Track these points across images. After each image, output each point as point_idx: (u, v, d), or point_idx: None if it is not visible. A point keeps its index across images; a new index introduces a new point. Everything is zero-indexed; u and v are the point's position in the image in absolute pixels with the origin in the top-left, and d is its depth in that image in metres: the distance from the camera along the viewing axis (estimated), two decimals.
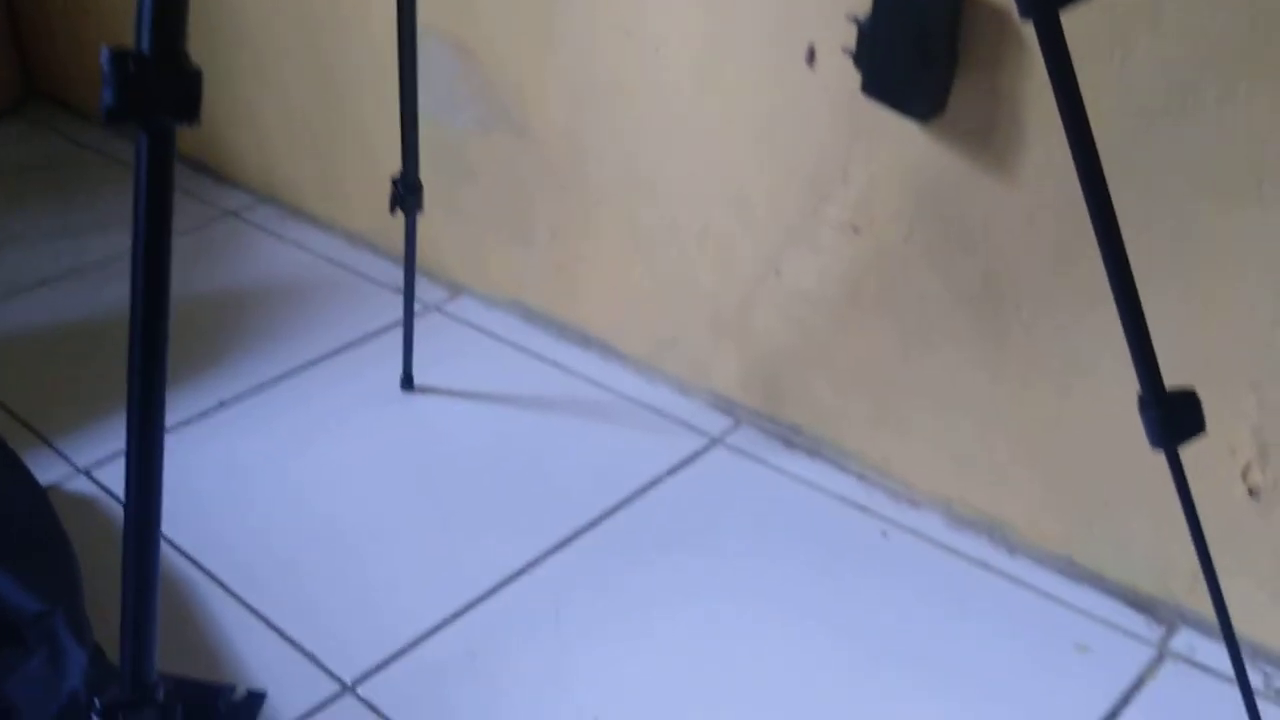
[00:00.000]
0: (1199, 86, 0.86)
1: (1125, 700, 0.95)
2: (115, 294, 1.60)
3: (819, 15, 1.05)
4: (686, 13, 1.15)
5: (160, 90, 0.53)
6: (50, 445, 1.30)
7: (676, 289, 1.29)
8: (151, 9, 0.53)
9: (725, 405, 1.30)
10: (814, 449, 1.23)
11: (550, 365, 1.40)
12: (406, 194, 1.15)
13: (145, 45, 0.53)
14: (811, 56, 1.07)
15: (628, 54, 1.22)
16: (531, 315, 1.48)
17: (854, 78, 1.03)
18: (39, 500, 1.14)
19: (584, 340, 1.43)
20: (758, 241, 1.19)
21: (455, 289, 1.56)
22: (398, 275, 1.59)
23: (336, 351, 1.44)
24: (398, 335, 1.44)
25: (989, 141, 0.99)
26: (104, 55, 0.53)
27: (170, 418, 1.33)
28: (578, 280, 1.41)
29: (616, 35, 1.22)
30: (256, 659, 1.01)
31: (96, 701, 0.60)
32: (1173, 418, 0.77)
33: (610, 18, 1.22)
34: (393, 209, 1.16)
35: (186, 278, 1.61)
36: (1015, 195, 0.99)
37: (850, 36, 1.02)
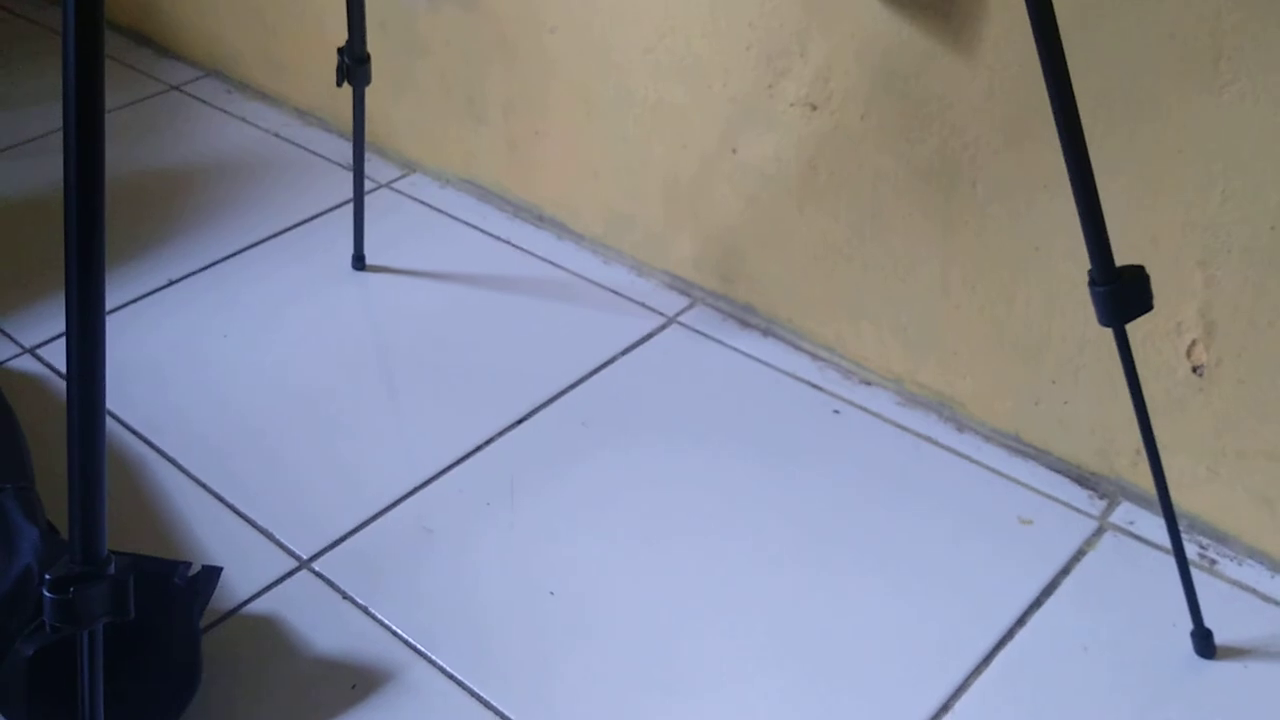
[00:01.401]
0: None
1: (1065, 570, 0.97)
2: (55, 169, 1.55)
3: None
4: None
5: None
6: None
7: (631, 166, 1.28)
8: None
9: (681, 285, 1.30)
10: (768, 328, 1.23)
11: (504, 244, 1.39)
12: (354, 65, 1.12)
13: None
14: None
15: None
16: (485, 193, 1.46)
17: None
18: None
19: (538, 219, 1.41)
20: (713, 118, 1.17)
21: (407, 166, 1.53)
22: (348, 151, 1.56)
23: (286, 229, 1.42)
24: (349, 213, 1.42)
25: (949, 16, 0.97)
26: None
27: (118, 296, 1.31)
28: (532, 157, 1.38)
29: None
30: (211, 536, 1.02)
31: (46, 576, 0.59)
32: (1121, 295, 0.78)
33: None
34: (339, 81, 1.13)
35: (130, 153, 1.57)
36: (974, 71, 0.98)
37: None
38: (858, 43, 1.04)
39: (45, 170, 1.55)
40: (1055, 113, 0.75)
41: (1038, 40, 0.73)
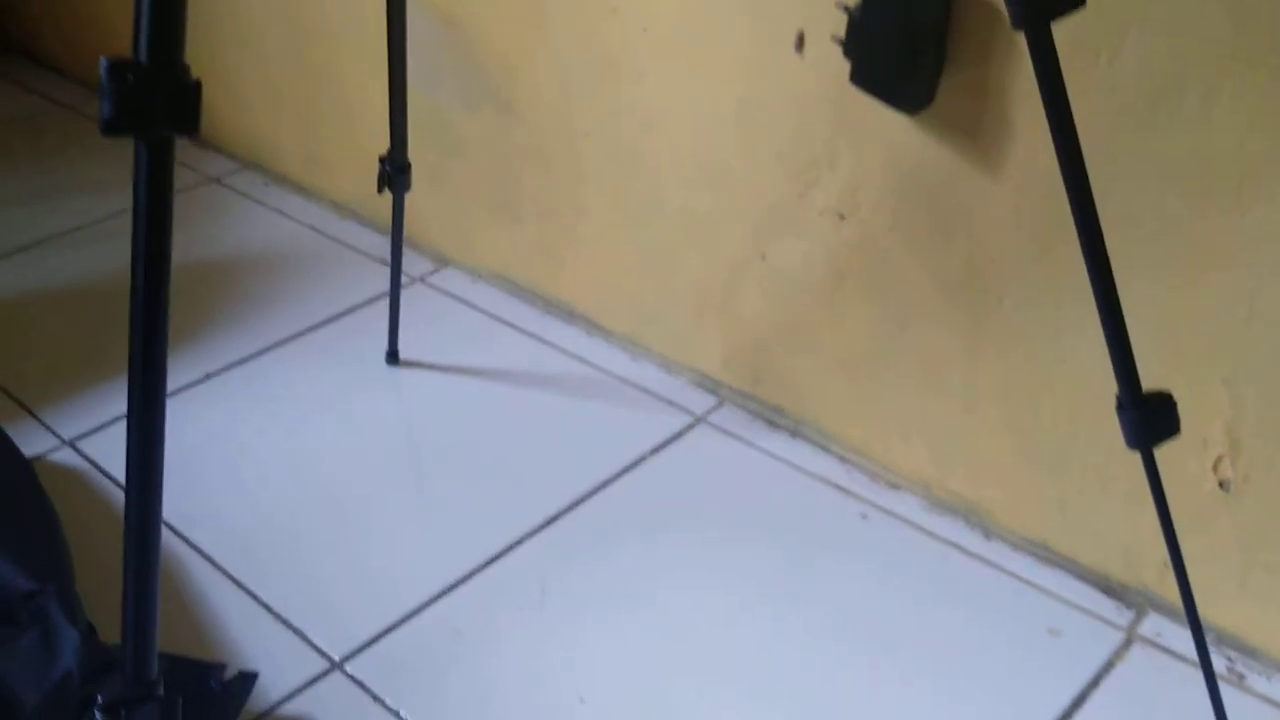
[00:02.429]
0: (1183, 87, 0.87)
1: (1094, 683, 0.97)
2: (96, 258, 1.59)
3: (809, 1, 1.05)
4: None
5: (159, 101, 0.53)
6: (34, 416, 1.31)
7: (662, 267, 1.30)
8: (149, 18, 0.53)
9: (709, 384, 1.31)
10: (796, 430, 1.24)
11: (535, 340, 1.41)
12: (394, 174, 1.15)
13: (143, 55, 0.53)
14: (800, 43, 1.08)
15: (616, 32, 1.22)
16: (517, 289, 1.49)
17: (843, 66, 1.04)
18: (25, 474, 1.14)
19: (569, 315, 1.44)
20: (743, 223, 1.20)
21: (440, 261, 1.56)
22: (382, 245, 1.59)
23: (322, 324, 1.45)
24: (382, 307, 1.45)
25: (976, 134, 1.00)
26: (102, 66, 0.53)
27: None
28: (563, 255, 1.41)
29: (604, 13, 1.22)
30: (244, 634, 1.03)
31: (99, 698, 0.61)
32: (1148, 420, 0.79)
33: None
34: (380, 188, 1.17)
35: None
36: (1000, 188, 1.00)
37: (840, 25, 1.02)
38: (886, 156, 1.06)
39: (82, 261, 1.59)
40: (1081, 241, 0.77)
41: (1061, 164, 0.75)
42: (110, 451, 1.25)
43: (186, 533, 1.14)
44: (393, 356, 1.37)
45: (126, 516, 0.63)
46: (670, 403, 1.30)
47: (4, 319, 1.48)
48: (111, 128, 0.53)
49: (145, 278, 0.56)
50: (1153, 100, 0.89)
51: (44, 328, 1.46)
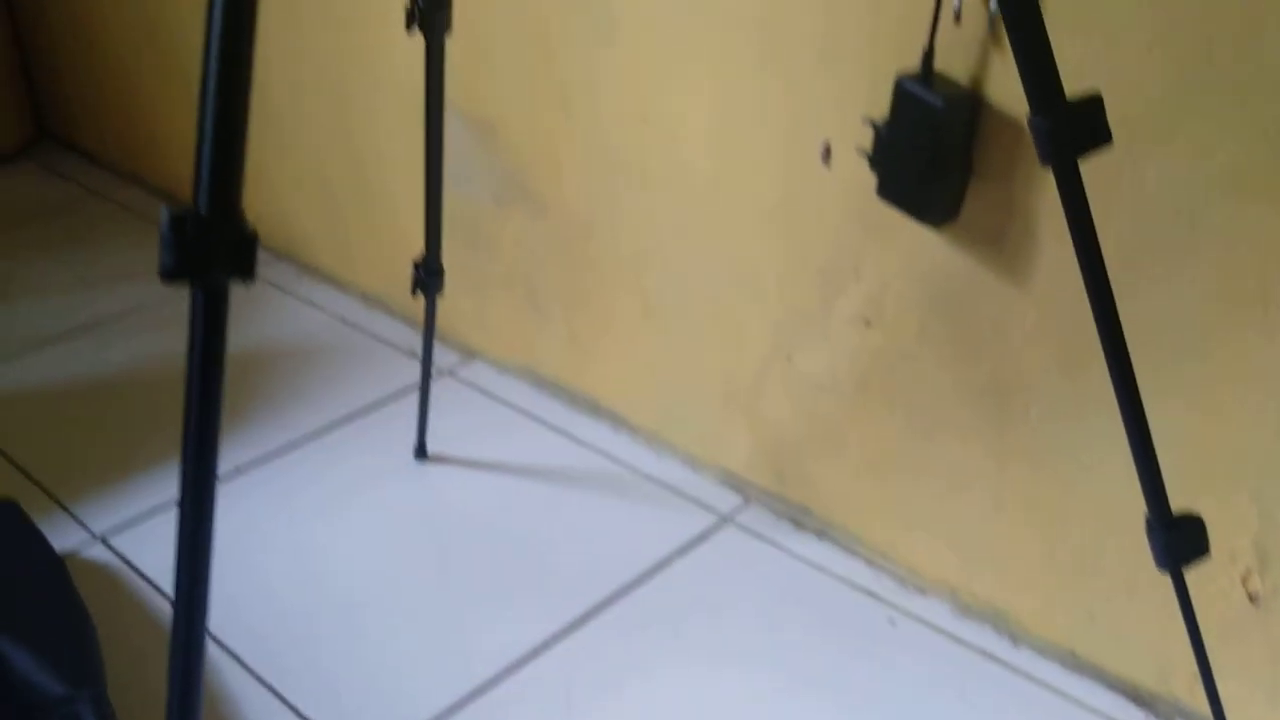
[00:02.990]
0: (1208, 207, 0.89)
1: None
2: (129, 349, 1.62)
3: (836, 114, 1.08)
4: (703, 104, 1.18)
5: (217, 251, 0.55)
6: (66, 510, 1.32)
7: (688, 365, 1.32)
8: (209, 168, 0.55)
9: (735, 483, 1.32)
10: (823, 531, 1.25)
11: (561, 435, 1.42)
12: (428, 278, 1.17)
13: (203, 205, 0.55)
14: (827, 154, 1.10)
15: (644, 138, 1.25)
16: (542, 382, 1.50)
17: (869, 176, 1.06)
18: (59, 574, 1.15)
19: (594, 410, 1.45)
20: (769, 326, 1.22)
21: (468, 353, 1.58)
22: (411, 337, 1.62)
23: (351, 417, 1.46)
24: (411, 401, 1.46)
25: (1001, 248, 1.01)
26: (163, 216, 0.55)
27: (176, 488, 1.35)
28: (590, 350, 1.43)
29: (633, 120, 1.25)
30: None
31: None
32: (1178, 541, 0.80)
33: (628, 103, 1.24)
34: (414, 292, 1.19)
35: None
36: (1026, 300, 1.01)
37: (867, 138, 1.04)
38: (912, 267, 1.08)
39: (117, 351, 1.61)
40: (1109, 363, 0.78)
41: (1090, 294, 0.77)
42: (142, 547, 1.26)
43: (214, 629, 1.15)
44: (420, 452, 1.38)
45: (174, 633, 0.64)
46: (696, 501, 1.31)
47: (38, 409, 1.50)
48: (171, 276, 0.55)
49: (198, 418, 0.57)
50: (1177, 223, 0.91)
51: (77, 418, 1.48)
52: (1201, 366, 0.93)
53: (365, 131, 1.58)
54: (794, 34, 1.08)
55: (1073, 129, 0.69)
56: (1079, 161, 0.71)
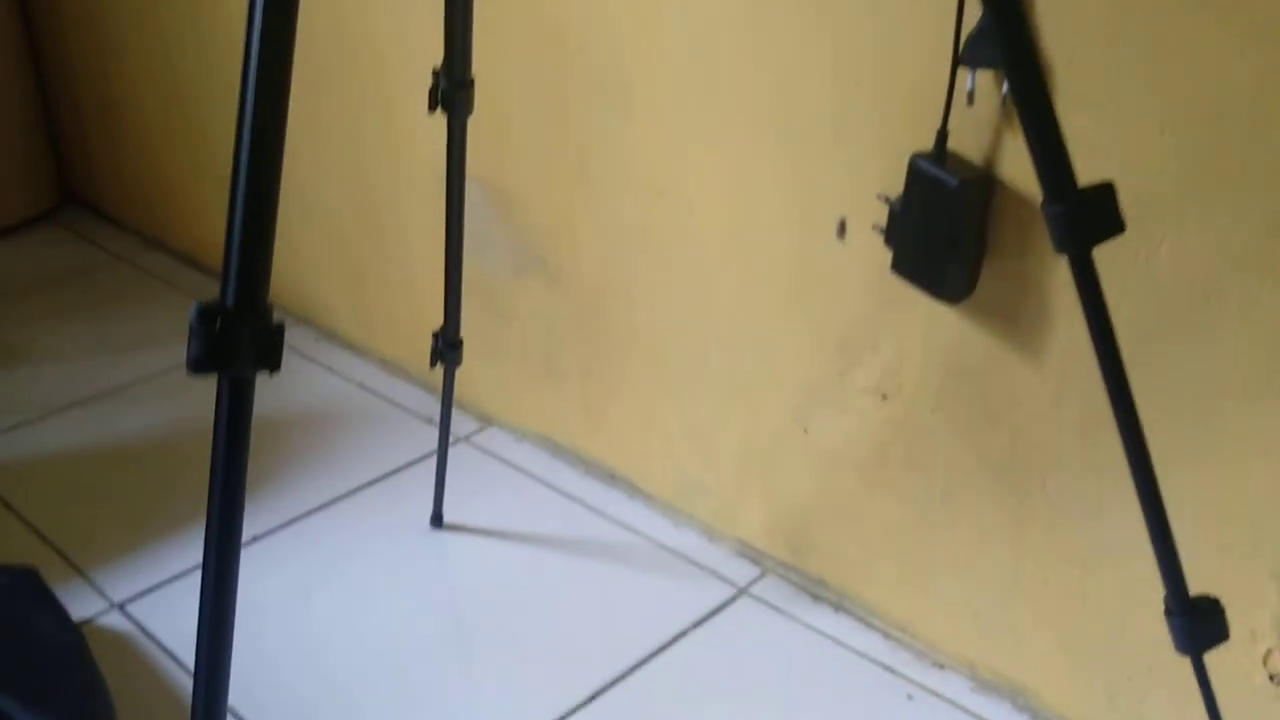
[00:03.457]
0: (1221, 288, 0.89)
1: None
2: (149, 415, 1.63)
3: (851, 190, 1.09)
4: (719, 179, 1.19)
5: (244, 344, 0.56)
6: (84, 576, 1.32)
7: (704, 434, 1.32)
8: (237, 263, 0.56)
9: (752, 554, 1.32)
10: (840, 603, 1.24)
11: (576, 503, 1.43)
12: (447, 350, 1.18)
13: (230, 299, 0.57)
14: (842, 230, 1.11)
15: (660, 211, 1.26)
16: (559, 450, 1.51)
17: (885, 251, 1.07)
18: (77, 643, 1.16)
19: (610, 478, 1.45)
20: (785, 397, 1.22)
21: (484, 420, 1.59)
22: (428, 404, 1.62)
23: (368, 484, 1.47)
24: (428, 468, 1.47)
25: (1016, 323, 1.02)
26: (192, 311, 0.56)
27: (195, 555, 1.34)
28: (605, 418, 1.43)
29: (649, 192, 1.26)
30: None
31: None
32: (1197, 626, 0.80)
33: (645, 177, 1.26)
34: (433, 364, 1.20)
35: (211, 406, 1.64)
36: (1041, 375, 1.02)
37: (881, 214, 1.05)
38: (928, 341, 1.08)
39: (137, 418, 1.62)
40: (1126, 447, 0.78)
41: (1106, 380, 0.77)
42: (159, 616, 1.26)
43: (229, 700, 1.15)
44: (437, 520, 1.38)
45: (194, 711, 0.64)
46: (712, 573, 1.30)
47: (58, 474, 1.51)
48: (199, 368, 0.56)
49: (221, 505, 0.58)
50: (1191, 300, 0.91)
51: (96, 484, 1.49)
52: (1218, 444, 0.93)
53: (385, 200, 1.60)
54: (809, 110, 1.09)
55: (1086, 217, 0.70)
56: (1093, 249, 0.72)
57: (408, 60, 1.47)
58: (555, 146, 1.34)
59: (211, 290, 1.82)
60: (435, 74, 0.97)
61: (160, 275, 2.02)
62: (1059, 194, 0.70)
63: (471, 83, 0.98)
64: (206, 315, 0.56)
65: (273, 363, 0.58)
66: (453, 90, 0.96)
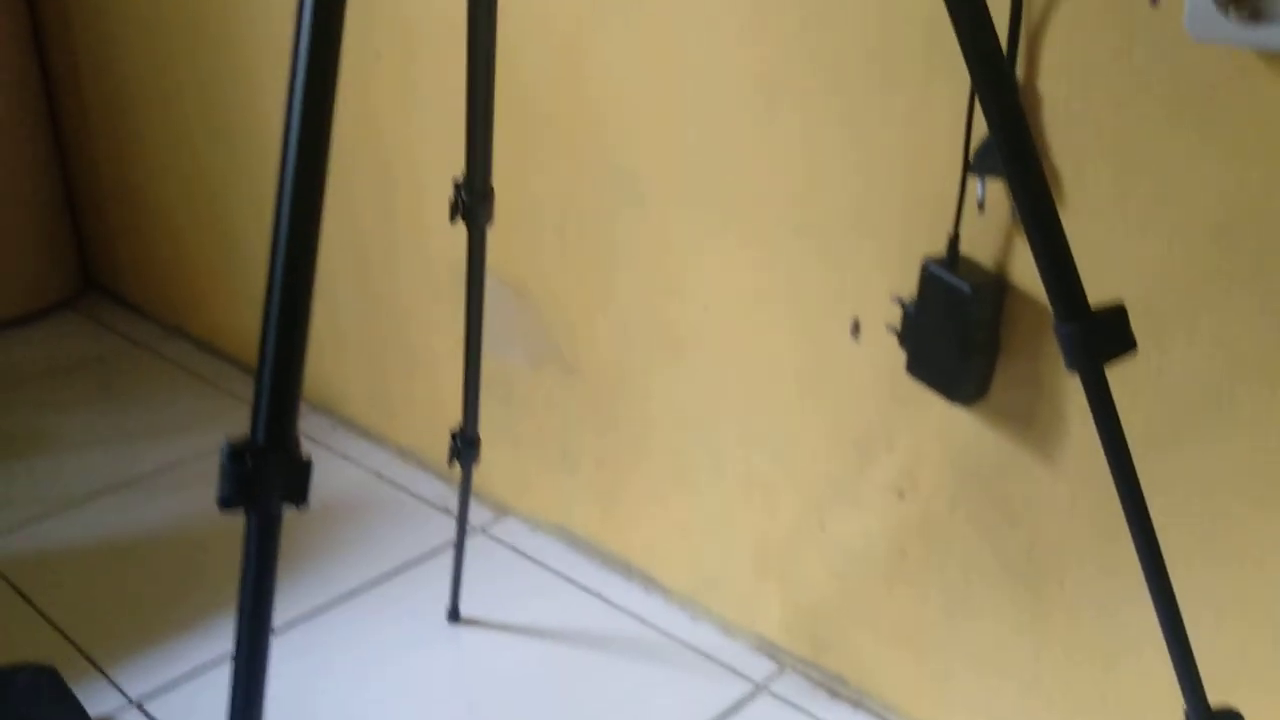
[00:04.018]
0: (1234, 393, 0.90)
1: None
2: (168, 506, 1.64)
3: (864, 290, 1.10)
4: (734, 275, 1.21)
5: (273, 481, 0.58)
6: (103, 673, 1.33)
7: (721, 529, 1.32)
8: (268, 400, 0.58)
9: (770, 649, 1.32)
10: (858, 701, 1.24)
11: (593, 596, 1.43)
12: (464, 448, 1.19)
13: (260, 436, 0.58)
14: (856, 329, 1.12)
15: (677, 309, 1.27)
16: (575, 541, 1.51)
17: (899, 351, 1.08)
18: None
19: (627, 570, 1.45)
20: (802, 493, 1.23)
21: (501, 510, 1.59)
22: (445, 493, 1.63)
23: (384, 577, 1.47)
24: (444, 560, 1.47)
25: (1031, 425, 1.02)
26: (223, 450, 0.57)
27: (216, 647, 1.36)
28: (622, 510, 1.44)
29: (663, 286, 1.28)
30: None
31: None
32: None
33: (661, 276, 1.28)
34: (451, 461, 1.21)
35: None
36: (1057, 477, 1.02)
37: (895, 315, 1.07)
38: (943, 440, 1.09)
39: (156, 508, 1.63)
40: (1140, 553, 0.79)
41: (1118, 485, 0.78)
42: (177, 714, 1.26)
43: None
44: (454, 614, 1.39)
45: None
46: (730, 668, 1.30)
47: (76, 567, 1.51)
48: (229, 504, 0.57)
49: (249, 637, 0.59)
50: (1203, 406, 0.92)
51: (116, 577, 1.49)
52: (1234, 550, 0.93)
53: (404, 290, 1.62)
54: (822, 211, 1.11)
55: (1098, 337, 0.71)
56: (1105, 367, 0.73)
57: (431, 158, 1.50)
58: (572, 242, 1.36)
59: (229, 378, 1.83)
60: (456, 185, 0.99)
61: (180, 362, 2.04)
62: (1070, 313, 0.71)
63: (491, 193, 1.00)
64: (236, 454, 0.57)
65: (300, 498, 0.59)
66: (473, 202, 0.98)
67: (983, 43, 0.71)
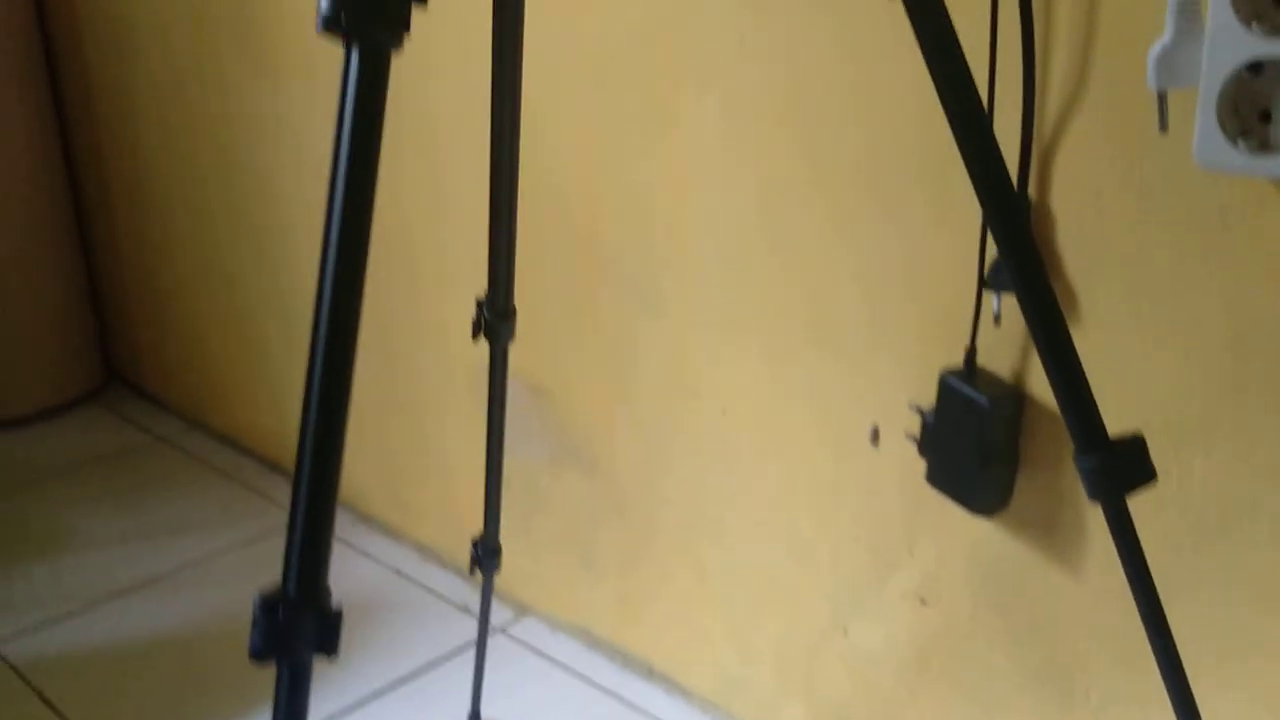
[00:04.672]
0: (1254, 508, 0.90)
1: None
2: (190, 607, 1.64)
3: (883, 398, 1.11)
4: (751, 381, 1.22)
5: (305, 632, 0.58)
6: None
7: (742, 632, 1.32)
8: (299, 555, 0.59)
9: None
10: None
11: (614, 699, 1.42)
12: (486, 557, 1.19)
13: (291, 589, 0.59)
14: (875, 437, 1.13)
15: (695, 411, 1.28)
16: (596, 643, 1.51)
17: (918, 458, 1.08)
18: None
19: (648, 672, 1.45)
20: (824, 598, 1.22)
21: (520, 610, 1.59)
22: (465, 592, 1.63)
23: (404, 679, 1.47)
24: (464, 661, 1.47)
25: (1052, 535, 1.03)
26: (255, 601, 0.58)
27: None
28: (642, 612, 1.44)
29: (685, 394, 1.29)
30: None
31: None
32: None
33: (678, 377, 1.29)
34: (472, 570, 1.21)
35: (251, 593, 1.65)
36: (1080, 587, 1.02)
37: (914, 422, 1.07)
38: (965, 549, 1.09)
39: (177, 607, 1.64)
40: (1163, 673, 0.79)
41: (1142, 614, 0.78)
42: None
43: None
44: (474, 717, 1.38)
45: None
46: None
47: (99, 669, 1.51)
48: (260, 657, 0.58)
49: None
50: (1225, 519, 0.92)
51: (138, 678, 1.49)
52: (1258, 663, 0.92)
53: (425, 391, 1.64)
54: (838, 320, 1.12)
55: (1118, 468, 0.72)
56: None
57: (453, 260, 1.52)
58: (590, 346, 1.37)
59: (249, 472, 1.84)
60: (479, 304, 1.01)
61: (201, 457, 2.06)
62: (1090, 445, 0.72)
63: (513, 312, 1.02)
64: (269, 607, 0.58)
65: (330, 648, 0.59)
66: (495, 320, 1.00)
67: (991, 174, 0.72)
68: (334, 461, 0.58)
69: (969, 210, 1.00)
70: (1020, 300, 0.74)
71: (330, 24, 0.55)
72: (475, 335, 1.02)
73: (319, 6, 0.55)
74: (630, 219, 1.28)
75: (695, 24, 1.15)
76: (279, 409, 1.96)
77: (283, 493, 1.92)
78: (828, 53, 1.06)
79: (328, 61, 1.60)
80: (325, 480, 0.58)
